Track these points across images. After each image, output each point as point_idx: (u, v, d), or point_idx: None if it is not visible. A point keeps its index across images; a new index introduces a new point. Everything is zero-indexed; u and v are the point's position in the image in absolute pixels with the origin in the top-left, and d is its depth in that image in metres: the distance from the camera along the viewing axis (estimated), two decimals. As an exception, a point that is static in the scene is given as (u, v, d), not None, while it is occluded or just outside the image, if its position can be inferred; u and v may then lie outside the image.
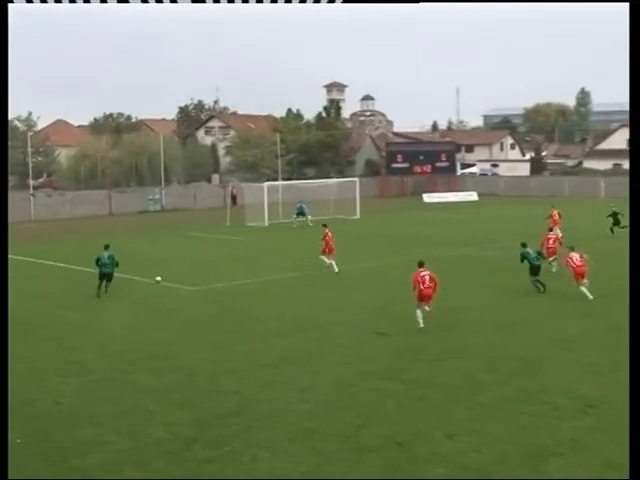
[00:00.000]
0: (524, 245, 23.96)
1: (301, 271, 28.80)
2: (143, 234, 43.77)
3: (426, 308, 19.70)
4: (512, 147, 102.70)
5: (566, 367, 15.66)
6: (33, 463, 11.36)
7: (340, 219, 47.95)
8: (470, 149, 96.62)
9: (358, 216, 50.61)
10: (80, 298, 24.16)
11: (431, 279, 19.74)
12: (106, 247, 25.23)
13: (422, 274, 19.87)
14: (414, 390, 14.32)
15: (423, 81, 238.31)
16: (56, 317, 21.41)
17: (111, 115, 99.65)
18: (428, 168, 78.12)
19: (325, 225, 30.02)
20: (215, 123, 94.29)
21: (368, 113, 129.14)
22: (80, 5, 10.69)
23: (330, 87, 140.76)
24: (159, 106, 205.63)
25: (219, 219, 49.00)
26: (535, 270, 23.62)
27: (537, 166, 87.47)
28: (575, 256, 22.56)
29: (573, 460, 11.17)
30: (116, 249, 32.91)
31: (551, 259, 26.42)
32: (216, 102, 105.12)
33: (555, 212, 34.43)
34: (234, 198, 60.95)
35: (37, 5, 10.34)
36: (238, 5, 10.64)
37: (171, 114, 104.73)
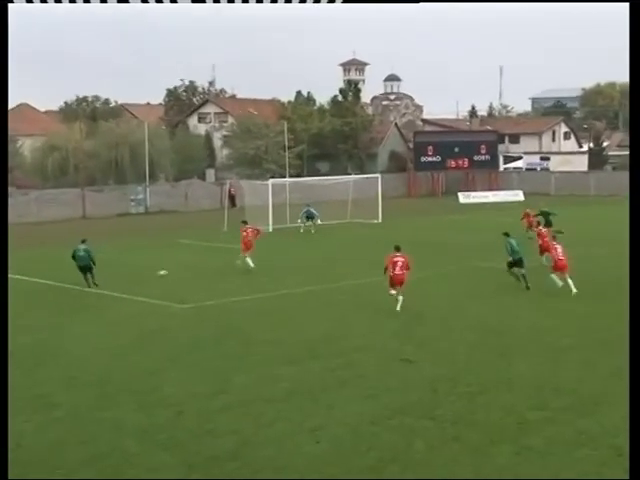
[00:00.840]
0: (507, 234, 27.32)
1: (313, 285, 28.84)
2: (124, 241, 43.90)
3: (392, 292, 23.53)
4: (566, 136, 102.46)
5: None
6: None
7: (359, 223, 48.06)
8: (515, 139, 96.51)
9: (380, 220, 50.64)
10: (48, 318, 24.25)
11: (403, 265, 23.38)
12: (83, 241, 29.72)
13: (395, 259, 23.55)
14: (448, 429, 14.28)
15: (458, 58, 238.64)
16: (19, 341, 21.45)
17: (85, 99, 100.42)
18: (464, 162, 78.17)
19: (245, 222, 34.04)
20: (210, 109, 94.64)
21: (393, 97, 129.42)
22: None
23: (347, 65, 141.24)
24: (143, 88, 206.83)
25: (215, 223, 49.13)
26: (513, 262, 26.74)
27: (597, 159, 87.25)
28: (559, 248, 26.14)
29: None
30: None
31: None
32: (211, 83, 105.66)
33: (531, 213, 36.55)
34: (232, 198, 61.15)
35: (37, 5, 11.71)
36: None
37: (157, 98, 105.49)
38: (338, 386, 16.90)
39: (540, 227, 33.74)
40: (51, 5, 11.62)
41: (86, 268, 28.96)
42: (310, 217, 46.51)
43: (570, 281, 25.71)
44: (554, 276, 26.02)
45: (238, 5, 11.56)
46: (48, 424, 15.02)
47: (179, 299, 26.67)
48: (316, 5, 11.19)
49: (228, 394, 16.50)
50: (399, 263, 23.64)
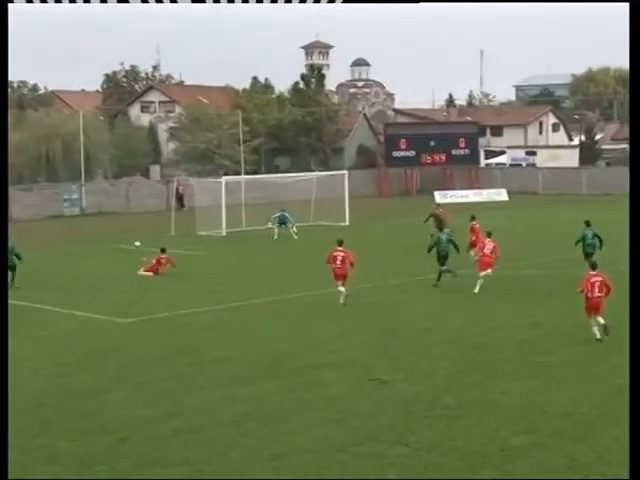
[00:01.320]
0: (440, 229, 31.36)
1: (271, 296, 28.93)
2: (56, 247, 43.68)
3: (340, 288, 26.88)
4: (555, 128, 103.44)
5: (627, 426, 15.81)
6: None
7: (323, 226, 48.18)
8: (498, 131, 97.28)
9: (347, 222, 50.83)
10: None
11: (343, 259, 26.82)
12: None
13: (335, 253, 27.08)
14: (424, 456, 14.39)
15: (434, 41, 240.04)
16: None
17: (10, 84, 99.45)
18: (441, 158, 78.75)
19: (164, 250, 34.95)
20: (154, 97, 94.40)
21: (361, 84, 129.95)
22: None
23: (310, 48, 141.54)
24: (77, 73, 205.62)
25: (160, 226, 49.06)
26: (443, 258, 30.11)
27: (589, 154, 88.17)
28: (489, 245, 29.47)
29: None
30: (21, 269, 33.04)
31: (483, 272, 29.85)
32: (156, 68, 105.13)
33: (476, 225, 36.66)
34: (181, 198, 61.16)
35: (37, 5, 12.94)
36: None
37: (94, 84, 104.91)
38: (300, 409, 16.96)
39: (474, 222, 36.26)
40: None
41: (10, 267, 30.04)
42: (283, 222, 46.15)
43: (480, 280, 28.86)
44: (481, 280, 28.88)
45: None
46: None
47: (121, 312, 26.64)
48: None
49: (178, 418, 16.52)
50: (339, 257, 27.11)
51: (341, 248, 27.32)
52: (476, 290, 28.66)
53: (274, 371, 19.74)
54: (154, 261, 34.69)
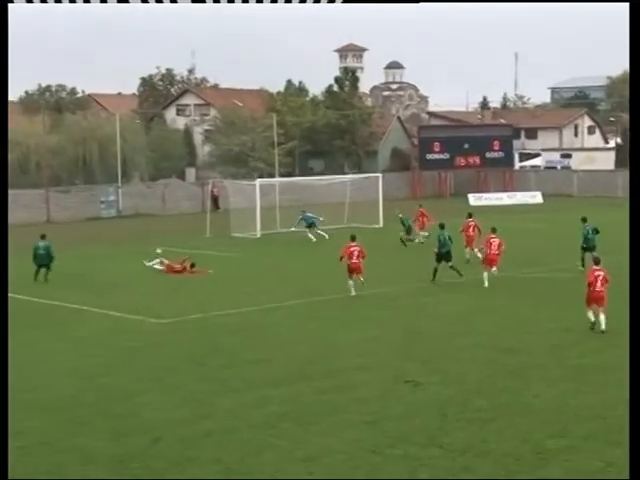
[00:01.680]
0: (442, 227, 31.31)
1: (305, 298, 28.95)
2: (93, 248, 43.96)
3: (361, 279, 28.49)
4: (590, 131, 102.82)
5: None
6: None
7: (357, 228, 48.04)
8: (533, 134, 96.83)
9: (381, 224, 50.75)
10: (10, 334, 24.23)
11: (359, 253, 28.24)
12: (42, 237, 33.52)
13: (351, 248, 28.35)
14: (457, 459, 14.35)
15: (468, 44, 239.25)
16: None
17: (49, 88, 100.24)
18: (475, 160, 78.38)
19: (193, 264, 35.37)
20: (190, 100, 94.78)
21: (395, 86, 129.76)
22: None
23: (344, 51, 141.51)
24: (114, 77, 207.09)
25: (195, 228, 49.24)
26: (440, 256, 30.69)
27: (625, 156, 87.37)
28: (495, 242, 30.41)
29: None
30: (57, 269, 33.39)
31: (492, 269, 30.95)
32: (191, 71, 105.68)
33: (472, 222, 36.95)
34: (215, 200, 61.31)
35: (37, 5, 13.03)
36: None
37: (131, 87, 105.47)
38: (332, 411, 16.97)
39: (470, 220, 36.65)
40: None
41: (44, 265, 32.96)
42: (311, 224, 46.10)
43: (485, 274, 30.04)
44: (485, 274, 30.15)
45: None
46: (10, 454, 15.05)
47: (155, 313, 26.75)
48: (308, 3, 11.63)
49: (211, 419, 16.58)
50: (355, 252, 28.42)
51: (355, 243, 28.83)
52: (485, 284, 29.83)
53: (306, 373, 19.75)
54: (178, 266, 35.08)
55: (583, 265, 31.74)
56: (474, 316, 25.90)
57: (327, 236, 44.55)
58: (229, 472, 13.92)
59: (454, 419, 16.36)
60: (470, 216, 37.03)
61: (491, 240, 30.84)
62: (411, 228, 43.15)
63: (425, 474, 13.74)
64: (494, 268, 30.41)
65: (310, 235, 45.24)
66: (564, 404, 17.19)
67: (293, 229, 46.76)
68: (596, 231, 33.42)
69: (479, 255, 33.03)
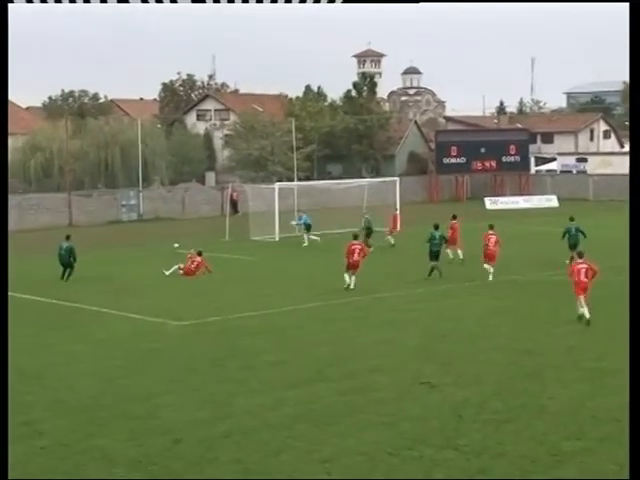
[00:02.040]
0: (436, 227, 33.46)
1: (323, 301, 28.94)
2: (114, 251, 44.08)
3: (346, 276, 30.15)
4: (606, 135, 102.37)
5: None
6: None
7: (374, 232, 48.01)
8: (549, 138, 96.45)
9: (398, 228, 50.64)
10: (32, 337, 24.36)
11: (360, 252, 30.28)
12: (67, 237, 34.47)
13: (353, 246, 30.34)
14: (473, 460, 14.29)
15: (485, 49, 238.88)
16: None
17: (72, 93, 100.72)
18: (492, 164, 78.32)
19: (200, 252, 36.06)
20: (210, 105, 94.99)
21: (412, 91, 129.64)
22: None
23: (362, 57, 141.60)
24: (136, 82, 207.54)
25: (215, 231, 49.30)
26: (434, 255, 32.69)
27: None
28: (492, 238, 32.69)
29: None
30: (78, 272, 33.51)
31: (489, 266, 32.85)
32: (211, 77, 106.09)
33: (456, 223, 38.39)
34: (235, 204, 61.39)
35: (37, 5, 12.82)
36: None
37: (152, 93, 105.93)
38: (350, 412, 16.92)
39: (454, 221, 37.97)
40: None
41: (66, 265, 33.84)
42: (309, 227, 46.18)
43: (491, 269, 32.17)
44: (486, 265, 32.36)
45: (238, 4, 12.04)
46: (32, 455, 15.09)
47: (175, 316, 26.78)
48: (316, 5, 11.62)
49: (230, 420, 16.56)
50: (356, 250, 30.35)
51: (357, 241, 31.23)
52: (490, 278, 31.90)
53: (324, 375, 19.71)
54: (193, 265, 35.45)
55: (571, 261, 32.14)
56: (492, 319, 25.83)
57: (306, 243, 45.00)
58: (247, 472, 13.90)
59: (470, 420, 16.28)
60: (454, 218, 38.12)
61: (489, 236, 33.04)
62: (371, 231, 43.26)
63: (441, 475, 13.68)
64: (492, 263, 32.43)
65: (306, 237, 45.63)
66: (580, 406, 17.09)
67: (293, 223, 46.84)
68: (580, 231, 36.25)
69: (451, 257, 36.07)
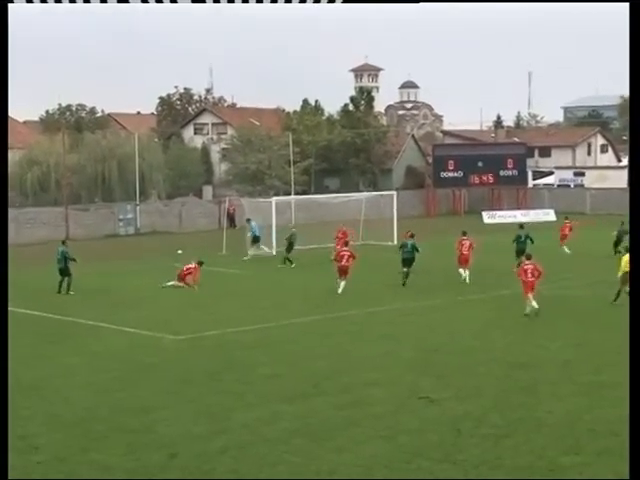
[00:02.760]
0: (412, 236, 35.08)
1: (319, 315, 28.92)
2: (111, 265, 44.01)
3: (338, 281, 32.21)
4: (603, 149, 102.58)
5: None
6: None
7: (371, 245, 48.02)
8: (546, 152, 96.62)
9: (395, 242, 50.58)
10: (28, 349, 24.30)
11: (349, 257, 32.38)
12: (63, 242, 35.03)
13: (342, 253, 32.83)
14: (471, 474, 14.26)
15: (482, 63, 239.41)
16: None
17: (69, 107, 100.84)
18: (489, 178, 78.31)
19: (201, 262, 36.29)
20: (207, 119, 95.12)
21: (409, 105, 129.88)
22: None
23: (359, 71, 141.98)
24: (133, 96, 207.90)
25: (212, 245, 49.22)
26: (406, 262, 34.03)
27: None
28: (466, 243, 35.06)
29: None
30: (75, 286, 33.44)
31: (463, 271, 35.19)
32: (209, 91, 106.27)
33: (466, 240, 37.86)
34: (232, 218, 61.32)
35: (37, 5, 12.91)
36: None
37: (149, 107, 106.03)
38: (347, 426, 16.88)
39: (465, 237, 37.38)
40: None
41: (62, 271, 33.30)
42: (257, 239, 45.92)
43: (467, 272, 34.58)
44: (460, 270, 34.75)
45: (238, 5, 12.02)
46: (29, 470, 15.02)
47: (172, 330, 26.73)
48: (317, 6, 11.65)
49: (226, 434, 16.52)
50: (345, 256, 32.54)
51: (346, 248, 33.79)
52: (467, 280, 34.50)
53: (321, 389, 19.69)
54: (186, 271, 35.66)
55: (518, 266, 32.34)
56: (486, 332, 25.83)
57: (247, 257, 44.82)
58: (244, 487, 13.84)
59: (468, 435, 16.26)
60: (464, 234, 36.71)
61: (462, 242, 35.34)
62: (292, 246, 43.24)
63: (439, 489, 13.64)
64: (467, 266, 34.78)
65: (250, 251, 45.41)
66: (578, 420, 17.08)
67: (265, 249, 46.79)
68: (529, 238, 38.57)
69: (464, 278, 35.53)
